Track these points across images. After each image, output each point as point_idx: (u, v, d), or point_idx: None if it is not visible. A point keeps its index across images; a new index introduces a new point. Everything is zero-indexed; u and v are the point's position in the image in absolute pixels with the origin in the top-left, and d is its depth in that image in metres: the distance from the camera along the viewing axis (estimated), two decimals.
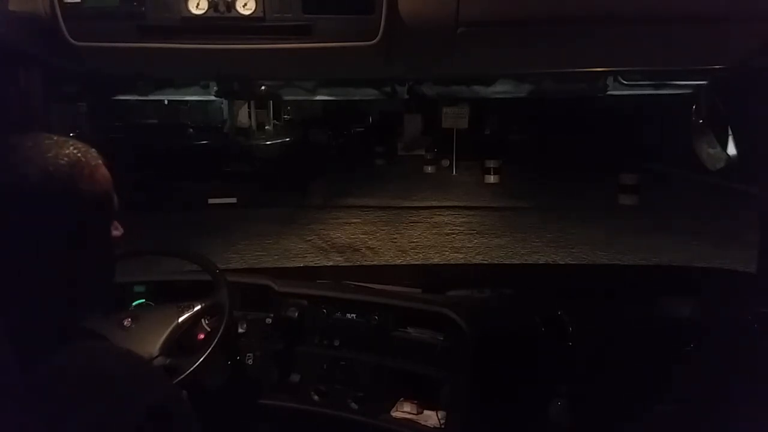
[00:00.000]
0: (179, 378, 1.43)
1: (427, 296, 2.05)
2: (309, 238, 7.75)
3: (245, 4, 0.95)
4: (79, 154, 0.76)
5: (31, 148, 0.73)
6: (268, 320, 1.91)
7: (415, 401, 1.77)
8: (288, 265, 6.41)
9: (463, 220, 8.99)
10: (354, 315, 1.90)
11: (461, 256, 6.93)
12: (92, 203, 0.76)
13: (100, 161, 0.79)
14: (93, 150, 0.79)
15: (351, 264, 6.56)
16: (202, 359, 1.48)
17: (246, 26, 0.97)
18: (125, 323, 1.56)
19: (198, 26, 0.97)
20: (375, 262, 6.62)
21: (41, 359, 0.68)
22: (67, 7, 0.95)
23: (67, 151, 0.75)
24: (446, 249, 7.25)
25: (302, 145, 14.12)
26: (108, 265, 0.83)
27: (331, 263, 6.60)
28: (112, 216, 0.81)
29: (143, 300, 1.87)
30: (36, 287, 0.72)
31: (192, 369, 1.46)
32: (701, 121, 1.49)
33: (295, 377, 1.87)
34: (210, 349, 1.51)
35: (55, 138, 0.77)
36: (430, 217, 9.21)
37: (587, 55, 1.26)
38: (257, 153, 12.47)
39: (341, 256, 6.92)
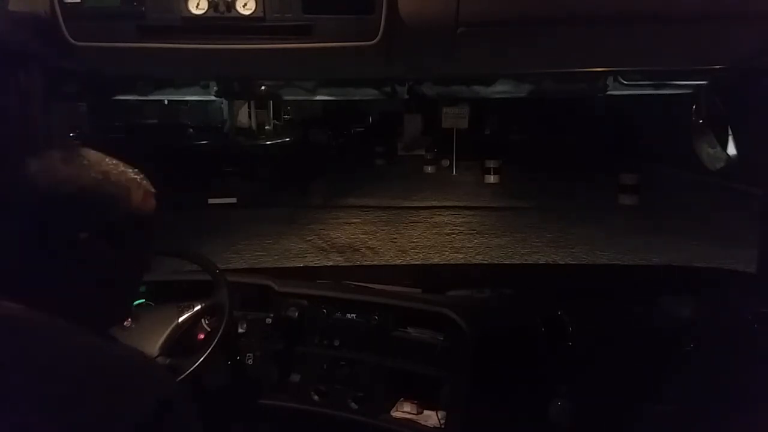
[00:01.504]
0: (179, 378, 1.43)
1: (427, 296, 2.05)
2: (309, 238, 7.75)
3: (245, 4, 0.95)
4: (136, 179, 0.81)
5: (73, 160, 0.77)
6: (268, 320, 1.91)
7: (415, 401, 1.77)
8: (288, 265, 6.41)
9: (463, 220, 8.99)
10: (354, 315, 1.90)
11: (461, 256, 6.93)
12: (124, 226, 0.80)
13: (149, 192, 0.84)
14: (145, 179, 0.84)
15: (351, 264, 6.56)
16: (202, 359, 1.48)
17: (246, 26, 0.97)
18: (125, 323, 1.56)
19: (198, 26, 0.97)
20: (375, 262, 6.61)
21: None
22: (67, 7, 0.96)
23: (112, 171, 0.79)
24: (446, 249, 7.25)
25: (302, 145, 14.10)
26: (136, 283, 0.88)
27: (331, 263, 6.60)
28: (149, 244, 0.85)
29: (143, 300, 1.87)
30: (58, 295, 0.74)
31: (192, 369, 1.46)
32: (701, 121, 1.49)
33: (295, 377, 1.87)
34: (210, 349, 1.51)
35: (107, 157, 0.81)
36: (430, 217, 9.20)
37: (587, 55, 1.26)
38: (257, 153, 12.45)
39: (341, 256, 6.92)
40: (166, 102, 11.28)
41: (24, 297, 0.71)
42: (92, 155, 0.80)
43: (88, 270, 0.76)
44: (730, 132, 1.44)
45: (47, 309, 0.72)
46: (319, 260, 6.73)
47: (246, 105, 13.76)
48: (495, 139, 17.95)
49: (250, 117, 14.52)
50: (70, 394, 0.64)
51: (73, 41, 0.98)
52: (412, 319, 1.87)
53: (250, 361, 1.88)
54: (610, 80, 1.78)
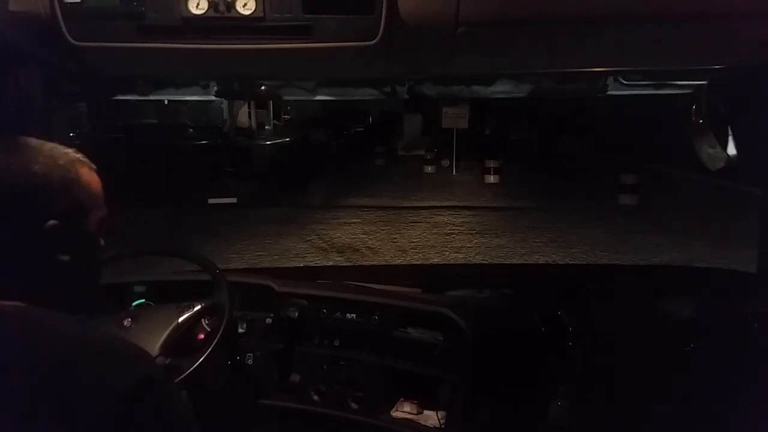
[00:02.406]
0: (179, 378, 1.43)
1: (427, 296, 2.05)
2: (309, 238, 7.75)
3: (245, 4, 0.95)
4: (70, 159, 0.80)
5: (17, 150, 0.77)
6: (268, 320, 1.91)
7: (415, 401, 1.77)
8: (288, 265, 6.41)
9: (463, 220, 9.00)
10: (354, 315, 1.90)
11: (461, 256, 6.93)
12: (81, 208, 0.80)
13: (92, 169, 0.84)
14: (84, 157, 0.84)
15: (351, 264, 6.56)
16: (202, 359, 1.48)
17: (246, 26, 0.97)
18: (125, 323, 1.56)
19: (198, 26, 0.97)
20: (375, 262, 6.62)
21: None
22: (67, 7, 0.95)
23: (57, 155, 0.79)
24: (446, 249, 7.25)
25: (302, 145, 14.11)
26: (92, 270, 0.86)
27: (331, 263, 6.60)
28: (100, 222, 0.85)
29: (143, 300, 1.87)
30: (14, 287, 0.74)
31: (192, 369, 1.46)
32: (701, 121, 1.49)
33: (295, 377, 1.87)
34: (210, 349, 1.51)
35: (45, 142, 0.80)
36: (430, 217, 9.21)
37: (587, 55, 1.26)
38: (257, 153, 12.47)
39: (341, 256, 6.92)
40: (166, 102, 11.31)
41: None
42: (32, 141, 0.79)
43: (54, 256, 0.77)
44: (730, 132, 1.44)
45: (17, 298, 0.73)
46: (319, 260, 6.73)
47: (246, 105, 13.76)
48: (495, 139, 17.98)
49: (250, 117, 14.51)
50: (51, 376, 0.65)
51: (73, 41, 0.98)
52: (412, 319, 1.87)
53: (250, 361, 1.88)
54: (610, 80, 1.79)
